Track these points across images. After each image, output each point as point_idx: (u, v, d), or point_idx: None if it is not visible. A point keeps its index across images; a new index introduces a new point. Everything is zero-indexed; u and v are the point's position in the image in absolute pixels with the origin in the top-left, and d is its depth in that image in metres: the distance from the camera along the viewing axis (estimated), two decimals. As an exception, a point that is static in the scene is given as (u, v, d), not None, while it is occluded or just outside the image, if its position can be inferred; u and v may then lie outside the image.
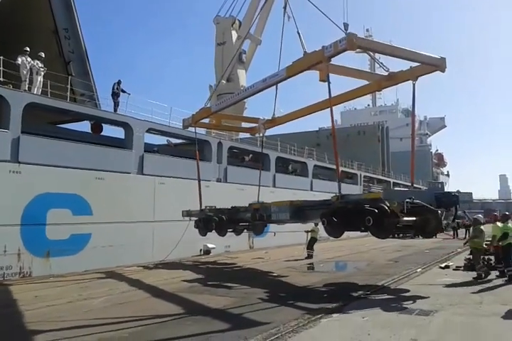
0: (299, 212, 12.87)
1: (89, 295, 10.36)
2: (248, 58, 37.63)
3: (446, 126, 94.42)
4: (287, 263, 16.75)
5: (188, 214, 18.34)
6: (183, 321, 7.68)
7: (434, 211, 9.83)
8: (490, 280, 11.46)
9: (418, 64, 11.45)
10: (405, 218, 9.60)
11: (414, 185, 13.46)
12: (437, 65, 11.12)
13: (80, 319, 7.97)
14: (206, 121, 19.70)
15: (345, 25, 15.91)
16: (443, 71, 11.12)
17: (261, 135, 19.59)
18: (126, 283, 12.59)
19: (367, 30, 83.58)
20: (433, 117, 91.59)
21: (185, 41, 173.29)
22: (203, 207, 17.70)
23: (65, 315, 8.28)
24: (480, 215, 14.14)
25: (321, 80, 11.11)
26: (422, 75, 11.64)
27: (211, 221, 16.60)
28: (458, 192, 11.67)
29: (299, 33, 13.20)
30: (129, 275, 14.20)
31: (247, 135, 30.62)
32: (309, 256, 18.27)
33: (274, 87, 14.56)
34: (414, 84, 11.68)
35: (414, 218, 9.80)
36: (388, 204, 9.49)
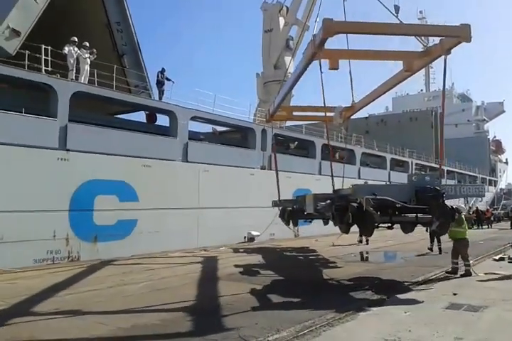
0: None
1: (131, 281, 10.51)
2: (296, 45, 36.94)
3: (505, 111, 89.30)
4: (333, 252, 16.45)
5: (275, 204, 18.50)
6: (214, 311, 7.53)
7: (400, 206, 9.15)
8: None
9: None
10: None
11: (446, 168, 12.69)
12: (457, 35, 9.87)
13: (117, 304, 8.04)
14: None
15: (396, 8, 15.20)
16: (468, 41, 9.79)
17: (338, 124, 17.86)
18: (169, 268, 12.73)
19: (420, 12, 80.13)
20: (491, 102, 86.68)
21: (239, 31, 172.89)
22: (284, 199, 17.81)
23: (103, 300, 8.37)
24: (462, 205, 13.33)
25: (330, 69, 10.49)
26: (451, 48, 10.37)
27: (285, 211, 17.10)
28: (466, 184, 10.88)
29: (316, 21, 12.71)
30: (173, 260, 14.36)
31: (293, 122, 30.25)
32: (364, 242, 18.59)
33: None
34: (445, 59, 10.54)
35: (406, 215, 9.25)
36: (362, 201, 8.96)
